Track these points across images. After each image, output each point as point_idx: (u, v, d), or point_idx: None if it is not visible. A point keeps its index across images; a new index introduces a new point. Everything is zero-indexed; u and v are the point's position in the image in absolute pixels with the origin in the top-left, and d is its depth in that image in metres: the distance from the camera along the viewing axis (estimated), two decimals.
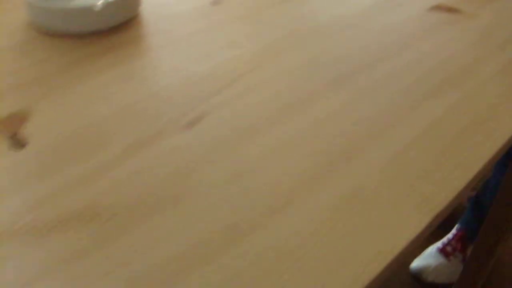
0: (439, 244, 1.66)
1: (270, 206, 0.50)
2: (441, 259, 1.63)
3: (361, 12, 0.84)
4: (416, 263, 1.64)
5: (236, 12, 0.84)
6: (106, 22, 0.77)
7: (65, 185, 0.52)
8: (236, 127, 0.60)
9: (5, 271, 0.44)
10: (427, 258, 1.65)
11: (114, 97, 0.64)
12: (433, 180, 0.52)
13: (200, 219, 0.48)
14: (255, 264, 0.44)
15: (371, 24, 0.80)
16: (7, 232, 0.47)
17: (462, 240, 1.63)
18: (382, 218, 0.48)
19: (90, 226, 0.48)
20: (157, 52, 0.74)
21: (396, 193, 0.51)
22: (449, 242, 1.64)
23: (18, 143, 0.57)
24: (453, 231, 1.65)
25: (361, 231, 0.47)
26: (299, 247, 0.45)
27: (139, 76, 0.69)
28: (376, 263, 0.44)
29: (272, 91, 0.66)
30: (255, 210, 0.49)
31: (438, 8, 0.85)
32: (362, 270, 0.43)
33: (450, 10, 0.84)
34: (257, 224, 0.48)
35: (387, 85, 0.67)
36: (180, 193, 0.51)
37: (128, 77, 0.68)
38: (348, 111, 0.62)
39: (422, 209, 0.49)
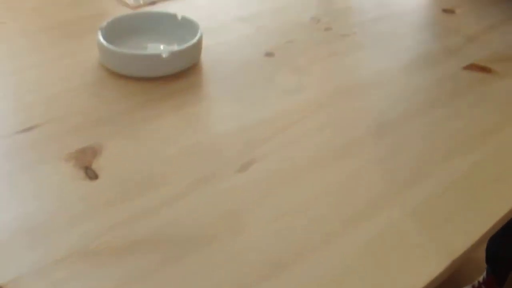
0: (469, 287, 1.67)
1: (311, 242, 0.56)
2: None
3: (401, 68, 0.89)
4: None
5: (287, 65, 0.89)
6: (171, 69, 0.84)
7: (132, 214, 0.58)
8: (285, 171, 0.66)
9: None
10: None
11: (176, 139, 0.70)
12: (455, 227, 0.58)
13: (248, 251, 0.55)
14: None
15: (409, 80, 0.86)
16: (80, 253, 0.53)
17: (491, 285, 1.63)
18: (408, 256, 0.54)
19: (153, 252, 0.54)
20: (215, 98, 0.80)
21: (420, 235, 0.57)
22: (479, 286, 1.64)
23: (91, 174, 0.64)
24: (484, 275, 1.65)
25: (388, 268, 0.53)
26: (333, 281, 0.52)
27: (198, 120, 0.75)
28: None
29: (320, 139, 0.71)
30: (298, 245, 0.56)
31: (471, 67, 0.90)
32: None
33: (483, 69, 0.89)
34: (298, 258, 0.54)
35: (417, 140, 0.72)
36: (232, 229, 0.57)
37: (188, 121, 0.74)
38: (380, 163, 0.68)
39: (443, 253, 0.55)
